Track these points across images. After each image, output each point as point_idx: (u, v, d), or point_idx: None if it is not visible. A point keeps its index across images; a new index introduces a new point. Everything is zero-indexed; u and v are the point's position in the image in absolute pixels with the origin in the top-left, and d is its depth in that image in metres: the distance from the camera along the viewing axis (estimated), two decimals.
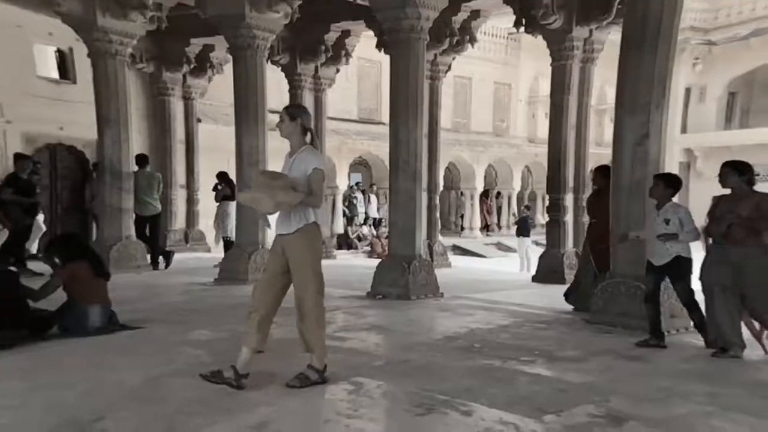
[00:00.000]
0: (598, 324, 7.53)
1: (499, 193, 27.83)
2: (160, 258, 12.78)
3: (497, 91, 28.03)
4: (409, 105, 9.55)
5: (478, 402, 4.62)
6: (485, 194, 26.95)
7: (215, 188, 14.14)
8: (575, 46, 11.66)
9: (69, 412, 4.35)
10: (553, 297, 9.50)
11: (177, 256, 13.48)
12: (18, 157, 11.25)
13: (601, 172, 8.47)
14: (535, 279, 12.07)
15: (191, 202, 16.72)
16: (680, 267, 6.56)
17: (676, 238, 6.42)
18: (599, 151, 20.05)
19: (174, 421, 4.28)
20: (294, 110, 5.00)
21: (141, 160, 12.80)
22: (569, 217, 11.91)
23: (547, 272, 11.76)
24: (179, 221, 16.51)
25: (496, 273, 11.74)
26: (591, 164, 11.40)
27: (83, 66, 13.19)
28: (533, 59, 25.30)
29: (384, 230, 20.34)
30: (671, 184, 6.65)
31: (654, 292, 6.71)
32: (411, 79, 9.57)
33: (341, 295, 9.61)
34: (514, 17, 12.06)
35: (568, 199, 11.92)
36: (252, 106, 10.85)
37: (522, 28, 12.21)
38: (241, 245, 11.08)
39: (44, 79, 14.16)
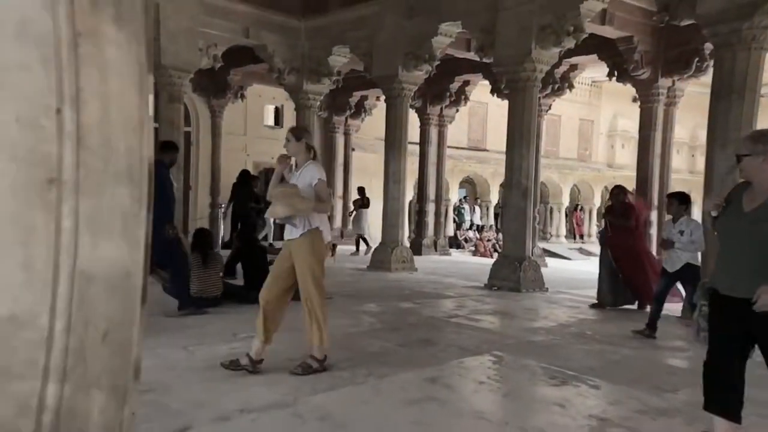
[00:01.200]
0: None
1: (582, 208, 27.21)
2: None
3: (581, 126, 27.47)
4: (523, 136, 9.49)
5: (602, 379, 4.53)
6: (575, 208, 26.46)
7: (355, 200, 15.48)
8: (660, 93, 11.60)
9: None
10: None
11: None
12: (251, 176, 11.41)
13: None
14: None
15: (345, 208, 17.88)
16: (689, 272, 6.44)
17: (673, 246, 6.34)
18: (690, 178, 19.48)
19: (370, 364, 4.49)
20: (299, 132, 4.66)
21: None
22: (653, 231, 11.49)
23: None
24: (336, 222, 17.44)
25: (586, 273, 11.38)
26: (676, 188, 11.01)
27: (289, 116, 16.13)
28: (611, 102, 25.20)
29: (486, 234, 20.45)
30: (683, 201, 6.63)
31: (662, 293, 6.53)
32: (526, 116, 9.51)
33: (464, 285, 9.65)
34: (605, 69, 12.07)
35: (653, 215, 11.52)
36: (398, 139, 11.48)
37: (614, 78, 12.16)
38: (386, 242, 11.38)
39: (267, 126, 17.50)
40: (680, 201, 6.62)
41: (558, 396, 4.10)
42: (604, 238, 8.33)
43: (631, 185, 11.77)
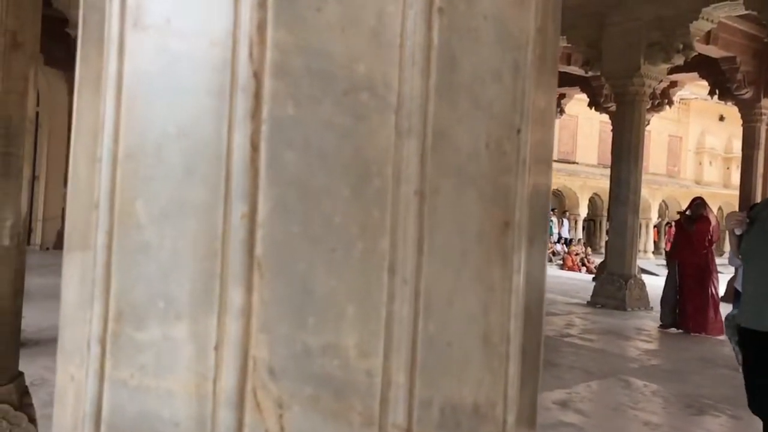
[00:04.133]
0: None
1: (669, 223, 25.91)
2: None
3: (670, 142, 26.30)
4: (631, 151, 9.01)
5: (741, 409, 4.08)
6: (669, 224, 25.31)
7: None
8: (763, 113, 10.94)
9: None
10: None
11: None
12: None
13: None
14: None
15: None
16: None
17: None
18: None
19: None
20: None
21: None
22: None
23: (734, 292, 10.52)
24: None
25: None
26: None
27: None
28: (699, 119, 24.09)
29: (574, 248, 19.66)
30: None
31: None
32: (633, 131, 9.05)
33: (565, 301, 9.18)
34: (703, 87, 11.53)
35: None
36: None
37: (715, 96, 11.67)
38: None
39: None
40: None
41: (702, 428, 3.70)
42: (671, 252, 7.61)
43: (717, 203, 10.97)
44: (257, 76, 0.42)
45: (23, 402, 2.54)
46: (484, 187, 0.46)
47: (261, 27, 0.42)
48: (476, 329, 0.46)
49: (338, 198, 0.42)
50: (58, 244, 11.08)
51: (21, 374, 2.61)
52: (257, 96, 0.42)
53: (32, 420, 2.54)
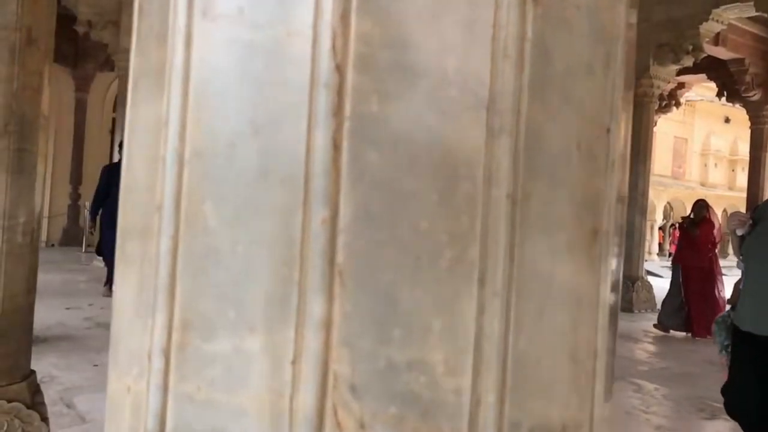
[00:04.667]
0: None
1: (677, 226, 25.83)
2: None
3: (676, 143, 26.21)
4: (639, 153, 8.96)
5: None
6: (672, 226, 25.21)
7: None
8: None
9: None
10: None
11: None
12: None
13: None
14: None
15: None
16: None
17: None
18: None
19: None
20: None
21: None
22: None
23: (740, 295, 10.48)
24: None
25: None
26: None
27: None
28: (705, 121, 24.07)
29: None
30: None
31: None
32: (642, 132, 9.02)
33: None
34: (711, 89, 11.53)
35: None
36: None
37: (723, 98, 11.69)
38: None
39: None
40: None
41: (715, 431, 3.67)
42: (675, 256, 7.55)
43: (722, 205, 10.92)
44: (340, 70, 0.38)
45: (35, 400, 2.52)
46: (575, 192, 0.43)
47: (345, 17, 0.38)
48: (564, 344, 0.43)
49: (425, 202, 0.39)
50: (64, 240, 11.08)
51: (33, 372, 2.59)
52: (340, 91, 0.38)
53: (44, 418, 2.51)
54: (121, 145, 6.44)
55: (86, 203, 10.66)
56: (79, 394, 3.78)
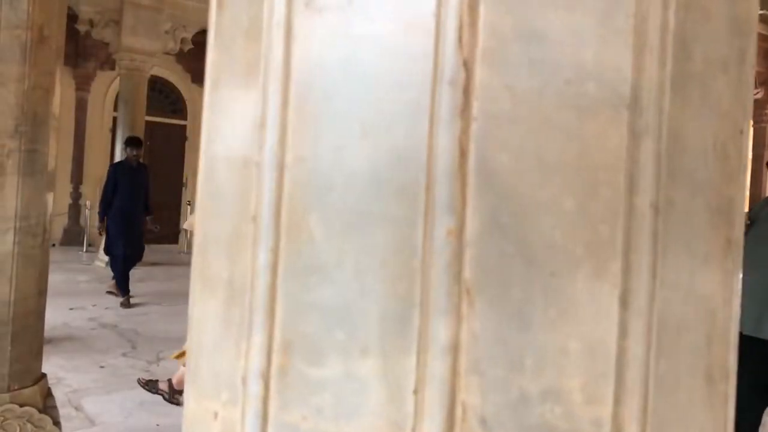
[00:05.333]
0: None
1: None
2: None
3: None
4: None
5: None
6: None
7: None
8: None
9: None
10: None
11: None
12: None
13: None
14: None
15: None
16: None
17: None
18: None
19: None
20: None
21: None
22: None
23: None
24: None
25: None
26: None
27: None
28: None
29: None
30: None
31: None
32: None
33: None
34: None
35: None
36: None
37: None
38: None
39: None
40: None
41: None
42: None
43: None
44: (467, 66, 0.34)
45: (47, 404, 2.48)
46: (711, 198, 0.39)
47: (472, 6, 0.34)
48: (700, 364, 0.39)
49: (560, 212, 0.35)
50: (65, 240, 11.02)
51: (44, 376, 2.54)
52: (467, 89, 0.35)
53: (56, 422, 2.47)
54: (127, 144, 6.35)
55: (87, 202, 10.61)
56: (87, 396, 3.73)
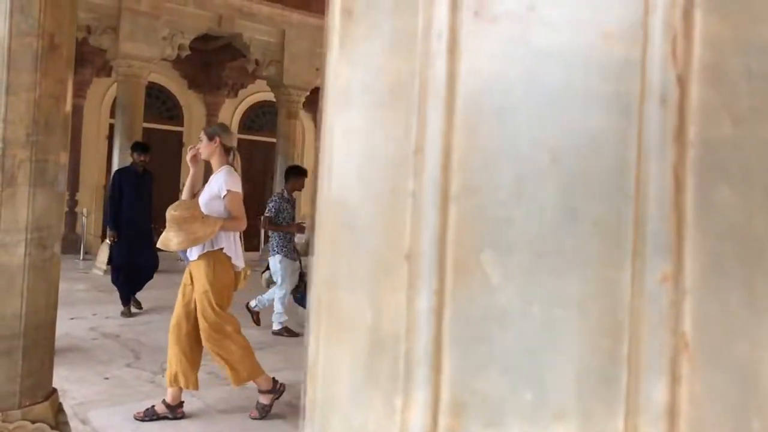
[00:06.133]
0: None
1: None
2: None
3: None
4: None
5: None
6: None
7: None
8: None
9: None
10: None
11: None
12: None
13: None
14: None
15: None
16: None
17: None
18: None
19: None
20: (212, 129, 3.50)
21: None
22: None
23: None
24: None
25: None
26: None
27: None
28: None
29: None
30: None
31: None
32: None
33: None
34: None
35: None
36: None
37: None
38: None
39: None
40: None
41: None
42: None
43: None
44: (681, 83, 0.29)
45: (58, 420, 2.41)
46: None
47: (687, 12, 0.29)
48: None
49: None
50: (61, 248, 10.88)
51: (55, 391, 2.47)
52: (681, 110, 0.29)
53: None
54: (134, 149, 6.16)
55: (83, 210, 10.49)
56: (93, 409, 3.66)
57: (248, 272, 3.47)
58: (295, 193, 5.76)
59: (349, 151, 0.39)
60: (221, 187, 3.26)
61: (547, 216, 0.31)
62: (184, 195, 3.48)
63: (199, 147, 3.37)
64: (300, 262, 5.55)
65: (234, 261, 3.33)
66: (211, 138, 3.38)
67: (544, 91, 0.31)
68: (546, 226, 0.31)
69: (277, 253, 5.43)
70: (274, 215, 5.46)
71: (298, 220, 5.77)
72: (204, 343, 3.32)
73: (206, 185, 3.40)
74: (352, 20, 0.39)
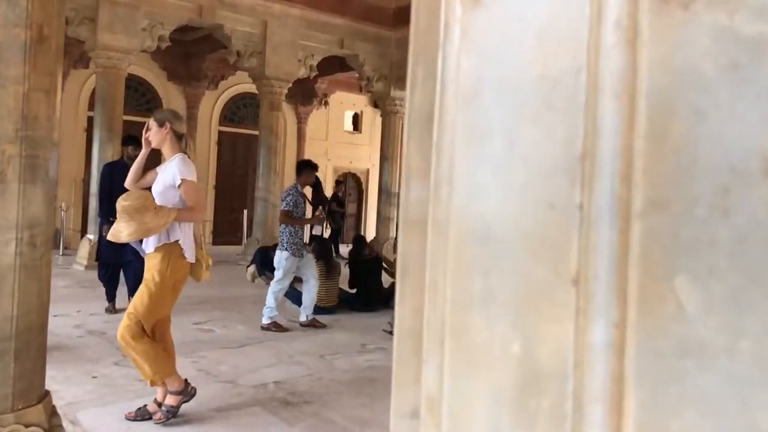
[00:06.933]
0: None
1: None
2: None
3: None
4: None
5: None
6: None
7: None
8: None
9: None
10: None
11: None
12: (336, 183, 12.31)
13: None
14: None
15: None
16: None
17: None
18: None
19: None
20: (161, 115, 3.27)
21: None
22: None
23: None
24: None
25: None
26: None
27: (368, 122, 16.23)
28: None
29: None
30: None
31: None
32: None
33: None
34: None
35: None
36: None
37: None
38: None
39: (347, 131, 16.74)
40: None
41: None
42: None
43: None
44: None
45: (52, 423, 2.33)
46: None
47: None
48: None
49: None
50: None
51: (48, 393, 2.39)
52: None
53: None
54: (125, 142, 5.92)
55: (62, 204, 10.27)
56: (82, 409, 3.56)
57: (210, 263, 3.28)
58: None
59: (480, 154, 0.34)
60: (175, 175, 3.06)
61: (761, 235, 0.26)
62: (129, 177, 3.30)
63: (149, 135, 3.18)
64: (303, 257, 5.49)
65: (185, 254, 3.12)
66: (161, 124, 3.17)
67: (756, 88, 0.27)
68: (758, 247, 0.26)
69: (286, 249, 5.34)
70: (292, 209, 5.37)
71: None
72: (120, 330, 3.14)
73: (159, 174, 3.19)
74: (480, 7, 0.34)
